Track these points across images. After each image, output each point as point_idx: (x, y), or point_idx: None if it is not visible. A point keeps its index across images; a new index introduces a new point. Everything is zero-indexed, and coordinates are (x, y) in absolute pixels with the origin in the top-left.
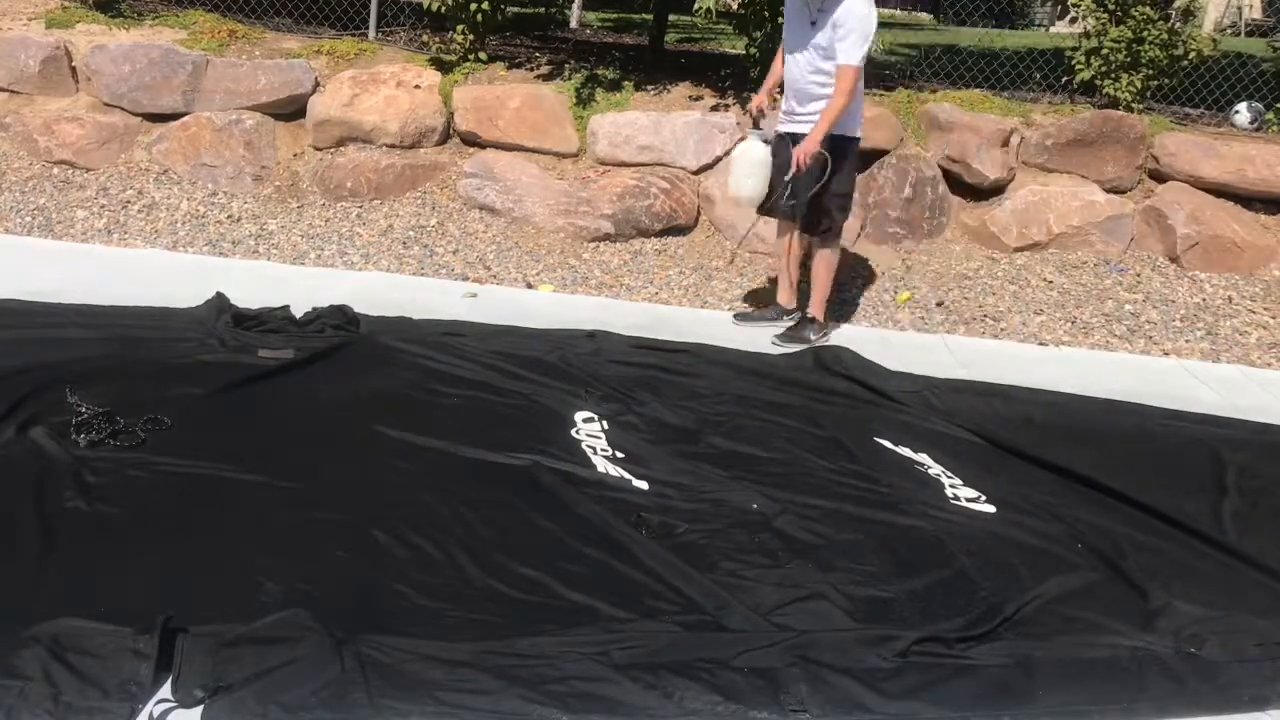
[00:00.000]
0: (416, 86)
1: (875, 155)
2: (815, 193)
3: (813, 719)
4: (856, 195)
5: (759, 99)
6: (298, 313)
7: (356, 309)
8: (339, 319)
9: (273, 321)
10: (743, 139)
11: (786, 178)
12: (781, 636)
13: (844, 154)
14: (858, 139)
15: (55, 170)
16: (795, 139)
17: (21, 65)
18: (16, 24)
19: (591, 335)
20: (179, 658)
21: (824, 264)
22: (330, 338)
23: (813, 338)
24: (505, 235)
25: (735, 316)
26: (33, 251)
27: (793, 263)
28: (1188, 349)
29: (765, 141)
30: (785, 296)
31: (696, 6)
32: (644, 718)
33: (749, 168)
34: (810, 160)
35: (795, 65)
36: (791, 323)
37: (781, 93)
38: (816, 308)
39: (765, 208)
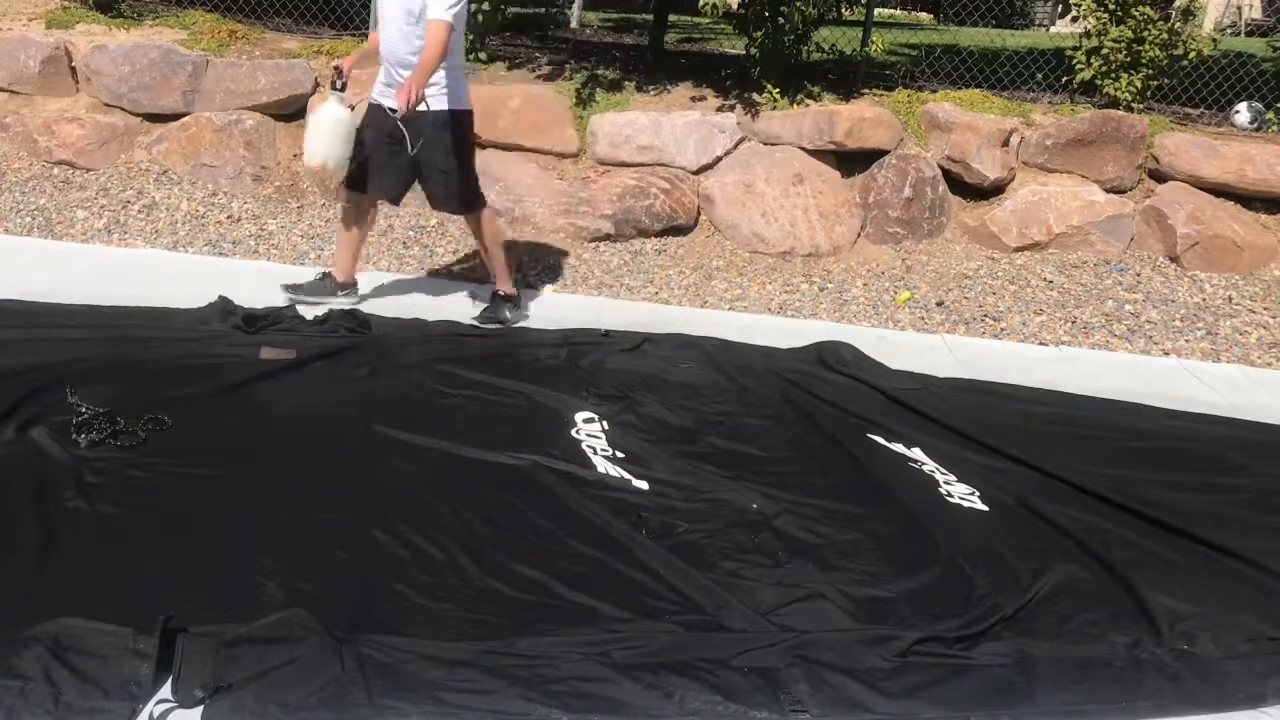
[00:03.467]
0: None
1: (875, 155)
2: (456, 169)
3: (813, 719)
4: (855, 196)
5: (346, 60)
6: (303, 313)
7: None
8: (350, 322)
9: (285, 321)
10: (325, 101)
11: (413, 150)
12: (781, 636)
13: (460, 126)
14: (470, 110)
15: (55, 170)
16: (393, 110)
17: (21, 65)
18: (16, 24)
19: (607, 334)
20: (179, 658)
21: (490, 235)
22: (332, 338)
23: (509, 315)
24: (505, 235)
25: (284, 287)
26: (33, 251)
27: (362, 240)
28: (1188, 349)
29: (350, 107)
30: (346, 272)
31: (702, 4)
32: (644, 718)
33: (331, 129)
34: (414, 100)
35: (390, 33)
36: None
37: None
38: (504, 282)
39: (349, 179)
